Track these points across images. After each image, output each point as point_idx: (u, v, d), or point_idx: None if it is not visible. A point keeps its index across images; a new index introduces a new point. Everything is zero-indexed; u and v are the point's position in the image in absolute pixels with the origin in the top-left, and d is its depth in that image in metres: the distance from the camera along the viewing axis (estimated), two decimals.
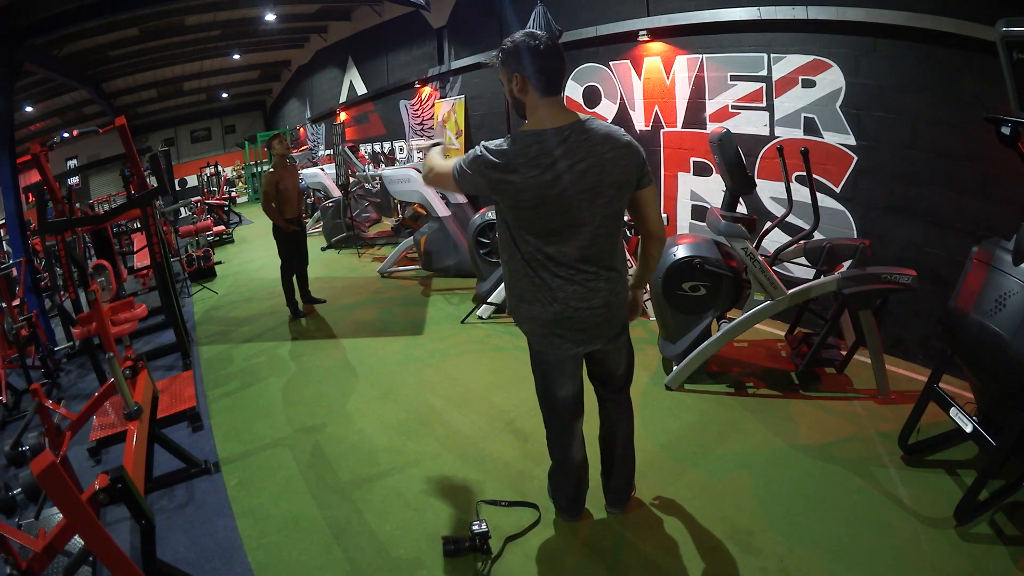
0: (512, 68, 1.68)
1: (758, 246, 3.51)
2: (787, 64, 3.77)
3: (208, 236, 8.08)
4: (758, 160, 4.08)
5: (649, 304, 3.79)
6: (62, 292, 5.15)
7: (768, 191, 4.06)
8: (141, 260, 7.06)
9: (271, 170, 4.87)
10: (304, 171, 8.83)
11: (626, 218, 2.08)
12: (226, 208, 11.53)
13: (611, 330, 1.89)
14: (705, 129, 4.41)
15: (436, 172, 1.87)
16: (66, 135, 4.09)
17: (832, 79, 3.53)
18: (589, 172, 1.65)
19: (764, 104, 3.98)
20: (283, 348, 4.47)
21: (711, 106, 4.35)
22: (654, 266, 1.97)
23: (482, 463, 2.70)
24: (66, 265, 4.40)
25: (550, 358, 1.92)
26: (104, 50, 9.37)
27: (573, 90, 5.64)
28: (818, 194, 3.17)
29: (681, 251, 3.22)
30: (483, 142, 1.73)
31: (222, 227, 9.56)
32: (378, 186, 8.60)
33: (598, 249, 1.76)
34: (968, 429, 2.17)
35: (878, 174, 3.43)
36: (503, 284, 1.89)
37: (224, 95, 16.26)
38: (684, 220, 4.82)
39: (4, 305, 4.11)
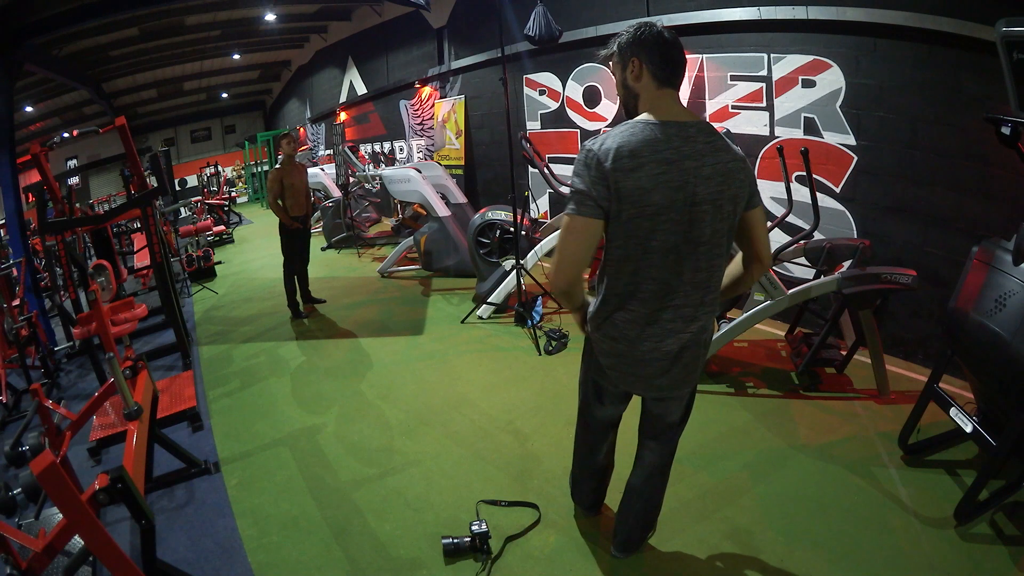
0: (629, 53, 1.50)
1: None
2: (787, 64, 3.77)
3: (208, 236, 8.08)
4: (758, 160, 4.08)
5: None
6: (62, 292, 5.14)
7: (768, 191, 4.06)
8: (141, 260, 7.06)
9: (277, 167, 4.92)
10: None
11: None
12: (226, 208, 11.54)
13: (694, 372, 1.68)
14: None
15: (559, 245, 1.54)
16: (66, 135, 4.09)
17: (832, 79, 3.53)
18: (713, 179, 1.44)
19: (764, 104, 3.98)
20: (283, 348, 4.47)
21: (711, 106, 4.35)
22: (746, 290, 1.72)
23: (482, 463, 2.70)
24: (66, 265, 4.40)
25: (606, 386, 1.78)
26: (104, 50, 9.36)
27: (573, 90, 5.64)
28: (818, 194, 3.17)
29: None
30: (585, 143, 1.50)
31: (222, 227, 9.56)
32: (378, 186, 8.60)
33: (709, 276, 1.54)
34: (968, 429, 2.17)
35: (878, 174, 3.43)
36: (598, 298, 1.65)
37: (224, 95, 16.24)
38: None
39: (4, 305, 4.11)
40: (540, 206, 6.39)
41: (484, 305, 4.66)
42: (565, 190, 4.72)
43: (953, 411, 2.26)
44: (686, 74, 1.56)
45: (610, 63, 1.59)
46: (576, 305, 1.73)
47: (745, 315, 3.04)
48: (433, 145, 8.46)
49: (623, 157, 1.41)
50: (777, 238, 3.84)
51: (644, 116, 1.49)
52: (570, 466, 2.27)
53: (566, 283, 1.56)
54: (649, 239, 1.47)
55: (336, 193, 8.44)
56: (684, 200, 1.44)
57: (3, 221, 6.57)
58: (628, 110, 1.59)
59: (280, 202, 4.87)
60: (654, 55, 1.48)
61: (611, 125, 5.26)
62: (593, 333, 1.71)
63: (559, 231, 1.57)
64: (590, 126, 5.53)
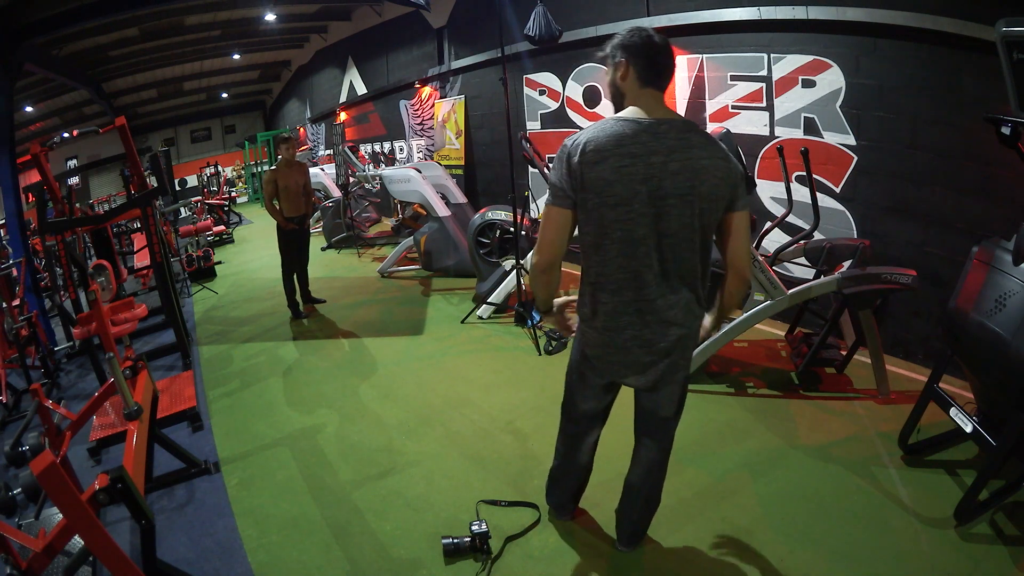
0: (616, 55, 1.59)
1: (758, 246, 3.52)
2: (787, 64, 3.77)
3: (208, 236, 8.08)
4: (758, 160, 4.08)
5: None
6: (62, 292, 5.14)
7: (768, 191, 4.07)
8: (141, 260, 7.06)
9: (271, 169, 4.93)
10: None
11: None
12: (226, 208, 11.54)
13: (679, 361, 1.71)
14: (705, 129, 4.41)
15: (540, 231, 1.66)
16: (66, 135, 4.08)
17: (832, 79, 3.53)
18: (682, 174, 1.50)
19: (764, 104, 3.97)
20: (283, 348, 4.47)
21: (711, 106, 4.35)
22: (731, 306, 1.73)
23: (482, 463, 2.70)
24: (66, 265, 4.40)
25: (591, 376, 1.82)
26: (104, 50, 9.35)
27: (573, 90, 5.64)
28: (818, 194, 3.17)
29: None
30: (565, 140, 1.58)
31: (222, 227, 9.56)
32: (378, 186, 8.61)
33: (680, 267, 1.59)
34: (968, 429, 2.17)
35: (878, 174, 3.43)
36: (580, 287, 1.73)
37: (224, 95, 16.23)
38: None
39: (4, 305, 4.11)
40: (540, 206, 6.39)
41: (484, 305, 4.66)
42: None
43: (953, 411, 2.26)
44: (672, 77, 1.63)
45: (605, 63, 1.67)
46: (547, 302, 1.79)
47: (745, 315, 3.04)
48: (433, 145, 8.46)
49: (589, 151, 1.51)
50: (777, 238, 3.84)
51: (620, 113, 1.59)
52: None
53: (545, 263, 1.68)
54: (612, 228, 1.55)
55: (336, 193, 8.44)
56: (649, 193, 1.51)
57: (3, 221, 6.57)
58: (616, 108, 1.65)
59: (276, 203, 4.87)
60: (640, 58, 1.56)
61: None
62: (581, 324, 1.77)
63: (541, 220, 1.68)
64: None
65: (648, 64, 1.56)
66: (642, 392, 1.84)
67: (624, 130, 1.52)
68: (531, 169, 5.83)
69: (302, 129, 14.41)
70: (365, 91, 10.43)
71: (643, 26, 1.61)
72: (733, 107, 4.19)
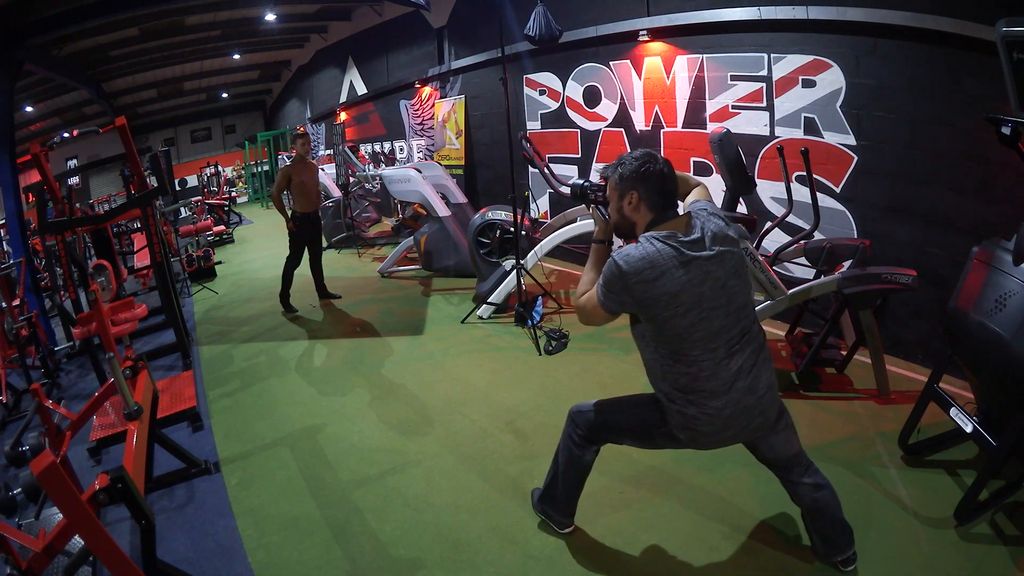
0: (628, 186, 1.64)
1: (758, 246, 3.52)
2: (787, 64, 3.77)
3: (208, 236, 8.08)
4: (758, 160, 4.08)
5: None
6: (62, 292, 5.14)
7: (768, 191, 4.06)
8: (141, 260, 7.05)
9: (287, 164, 5.09)
10: None
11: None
12: (226, 208, 11.54)
13: (776, 399, 1.76)
14: (705, 129, 4.41)
15: (585, 307, 1.73)
16: (66, 135, 4.08)
17: (832, 79, 3.53)
18: (726, 264, 1.60)
19: (764, 104, 3.97)
20: (283, 348, 4.47)
21: (711, 106, 4.35)
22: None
23: (482, 463, 2.70)
24: (66, 265, 4.40)
25: (680, 446, 1.80)
26: (104, 50, 9.35)
27: (573, 90, 5.64)
28: (818, 194, 3.17)
29: None
30: (613, 256, 1.59)
31: (222, 227, 9.56)
32: (378, 186, 8.61)
33: (753, 320, 1.68)
34: (968, 429, 2.17)
35: (878, 174, 3.43)
36: (663, 395, 1.76)
37: (224, 95, 16.22)
38: None
39: (4, 305, 4.11)
40: (540, 206, 6.39)
41: (484, 305, 4.65)
42: (565, 190, 4.73)
43: (953, 411, 2.26)
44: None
45: (607, 182, 1.73)
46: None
47: None
48: (433, 145, 8.46)
49: (644, 270, 1.54)
50: (777, 238, 3.84)
51: (652, 233, 1.61)
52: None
53: (586, 324, 1.78)
54: (691, 332, 1.58)
55: (336, 193, 8.44)
56: (712, 289, 1.57)
57: (3, 221, 6.57)
58: (621, 233, 1.73)
59: (288, 198, 5.03)
60: (653, 191, 1.63)
61: (611, 125, 5.27)
62: (671, 415, 1.73)
63: (586, 297, 1.72)
64: (590, 126, 5.53)
65: (660, 195, 1.63)
66: (760, 450, 1.88)
67: (669, 246, 1.56)
68: (531, 169, 5.83)
69: (302, 129, 14.40)
70: (365, 91, 10.42)
71: (655, 155, 1.65)
72: (733, 107, 4.19)
